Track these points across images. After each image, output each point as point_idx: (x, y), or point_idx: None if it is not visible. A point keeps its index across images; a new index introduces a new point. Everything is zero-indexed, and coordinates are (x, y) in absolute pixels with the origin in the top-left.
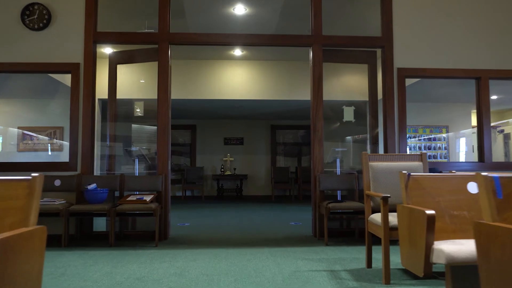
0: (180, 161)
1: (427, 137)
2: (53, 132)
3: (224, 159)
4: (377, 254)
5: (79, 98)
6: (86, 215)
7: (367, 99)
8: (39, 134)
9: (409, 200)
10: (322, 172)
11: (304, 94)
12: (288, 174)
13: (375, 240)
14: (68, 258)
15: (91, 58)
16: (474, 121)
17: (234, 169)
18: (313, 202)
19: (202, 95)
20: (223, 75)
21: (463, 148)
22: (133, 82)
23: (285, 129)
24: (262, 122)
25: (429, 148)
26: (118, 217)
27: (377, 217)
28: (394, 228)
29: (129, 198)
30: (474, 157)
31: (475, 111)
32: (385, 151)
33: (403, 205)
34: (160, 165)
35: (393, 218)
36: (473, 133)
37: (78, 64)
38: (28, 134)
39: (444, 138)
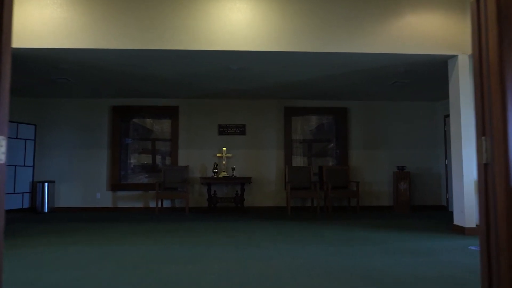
0: (156, 159)
1: None
2: None
3: (218, 155)
4: None
5: None
6: None
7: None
8: None
9: None
10: None
11: (350, 44)
12: (310, 176)
13: None
14: None
15: None
16: None
17: (233, 169)
18: None
19: (177, 44)
20: (212, 11)
21: None
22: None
23: (305, 113)
24: (272, 103)
25: None
26: None
27: None
28: None
29: None
30: None
31: None
32: None
33: None
34: None
35: None
36: None
37: None
38: None
39: None
